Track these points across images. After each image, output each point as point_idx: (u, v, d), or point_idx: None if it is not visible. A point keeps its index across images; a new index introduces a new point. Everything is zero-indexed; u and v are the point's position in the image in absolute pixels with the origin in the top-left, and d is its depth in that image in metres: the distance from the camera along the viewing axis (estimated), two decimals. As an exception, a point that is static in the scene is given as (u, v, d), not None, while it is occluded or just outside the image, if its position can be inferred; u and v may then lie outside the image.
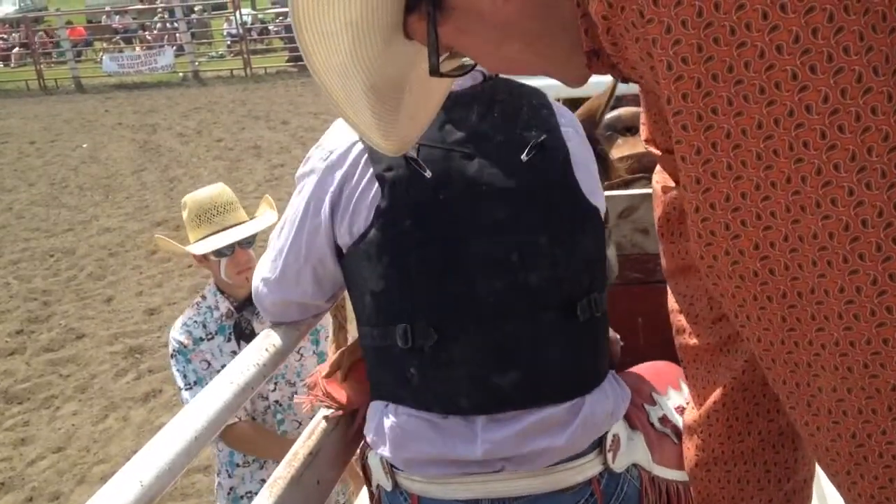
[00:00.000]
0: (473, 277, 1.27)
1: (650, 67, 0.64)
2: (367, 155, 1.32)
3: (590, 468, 1.32)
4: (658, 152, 0.94)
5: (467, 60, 0.89)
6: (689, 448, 1.03)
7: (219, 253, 2.52)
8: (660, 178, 0.98)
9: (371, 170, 1.30)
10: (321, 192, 1.36)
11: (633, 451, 1.38)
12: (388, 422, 1.35)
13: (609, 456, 1.33)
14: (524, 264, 1.27)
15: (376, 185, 1.30)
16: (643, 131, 0.97)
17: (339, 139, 1.36)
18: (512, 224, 1.28)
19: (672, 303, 1.01)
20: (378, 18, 0.81)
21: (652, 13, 0.59)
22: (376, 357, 1.39)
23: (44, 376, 5.46)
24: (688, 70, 0.59)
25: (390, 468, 1.37)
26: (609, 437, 1.33)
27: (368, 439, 1.41)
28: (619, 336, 1.68)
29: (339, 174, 1.34)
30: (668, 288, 1.02)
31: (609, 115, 2.90)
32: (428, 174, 1.28)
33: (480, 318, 1.28)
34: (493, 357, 1.28)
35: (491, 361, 1.28)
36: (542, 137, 1.31)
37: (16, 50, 22.33)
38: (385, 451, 1.36)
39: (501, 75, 1.38)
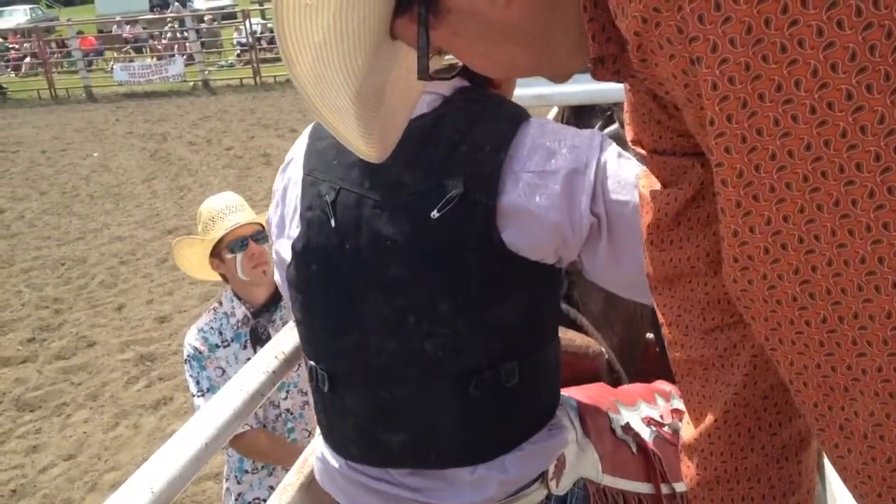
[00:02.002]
0: (367, 333, 1.21)
1: (684, 85, 0.62)
2: (300, 189, 1.28)
3: (535, 497, 1.29)
4: (644, 153, 0.93)
5: (450, 58, 0.88)
6: (690, 467, 1.00)
7: (232, 248, 2.55)
8: (646, 182, 0.96)
9: (300, 207, 1.27)
10: (273, 210, 1.39)
11: (580, 466, 1.35)
12: (325, 465, 1.37)
13: (552, 483, 1.30)
14: (420, 329, 1.18)
15: (300, 221, 1.27)
16: (628, 132, 0.94)
17: (295, 152, 1.37)
18: (410, 286, 1.18)
19: (660, 316, 0.99)
20: (367, 24, 0.79)
21: (697, 31, 0.57)
22: None
23: (55, 384, 5.49)
24: (734, 90, 0.56)
25: None
26: (551, 466, 1.30)
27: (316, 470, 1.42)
28: (602, 349, 1.67)
29: (287, 197, 1.34)
30: (654, 300, 1.00)
31: (610, 129, 2.90)
32: (333, 223, 1.21)
33: (370, 375, 1.22)
34: (381, 416, 1.24)
35: (379, 419, 1.24)
36: (460, 191, 1.14)
37: (27, 59, 22.49)
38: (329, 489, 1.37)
39: (460, 97, 1.23)
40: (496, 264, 1.16)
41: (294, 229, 1.28)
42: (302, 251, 1.26)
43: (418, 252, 1.17)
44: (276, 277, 1.46)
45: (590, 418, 1.41)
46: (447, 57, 0.87)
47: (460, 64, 0.87)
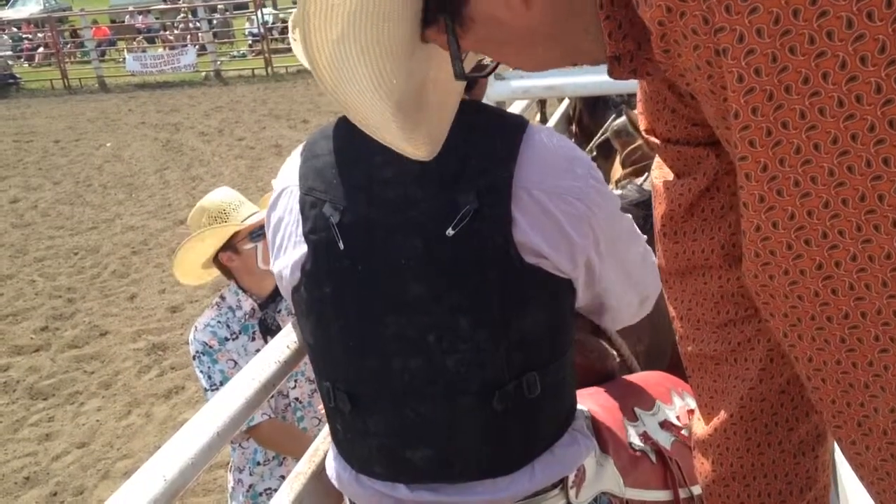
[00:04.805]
0: (389, 354, 1.20)
1: (707, 76, 0.61)
2: (298, 208, 1.26)
3: (554, 503, 1.29)
4: (658, 142, 0.92)
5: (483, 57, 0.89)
6: (704, 464, 0.98)
7: (253, 237, 2.55)
8: (659, 173, 0.94)
9: (300, 227, 1.25)
10: (268, 226, 1.37)
11: (600, 480, 1.35)
12: (343, 473, 1.36)
13: (572, 492, 1.29)
14: (441, 346, 1.17)
15: (304, 243, 1.24)
16: (642, 121, 0.94)
17: (285, 179, 1.33)
18: (430, 304, 1.17)
19: (671, 309, 0.98)
20: (396, 39, 0.80)
21: (723, 21, 0.56)
22: None
23: (68, 373, 5.53)
24: (760, 82, 0.56)
25: None
26: (572, 475, 1.29)
27: (330, 474, 1.41)
28: (615, 352, 1.66)
29: (280, 217, 1.32)
30: (664, 292, 0.98)
31: (626, 117, 2.90)
32: (341, 245, 1.19)
33: (394, 395, 1.22)
34: (405, 434, 1.24)
35: (403, 438, 1.24)
36: (475, 206, 1.13)
37: (41, 49, 22.57)
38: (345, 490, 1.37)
39: (461, 110, 1.17)
40: (514, 277, 1.16)
41: (296, 251, 1.26)
42: (312, 274, 1.24)
43: (435, 270, 1.16)
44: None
45: (606, 433, 1.41)
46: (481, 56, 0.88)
47: (494, 63, 0.88)
